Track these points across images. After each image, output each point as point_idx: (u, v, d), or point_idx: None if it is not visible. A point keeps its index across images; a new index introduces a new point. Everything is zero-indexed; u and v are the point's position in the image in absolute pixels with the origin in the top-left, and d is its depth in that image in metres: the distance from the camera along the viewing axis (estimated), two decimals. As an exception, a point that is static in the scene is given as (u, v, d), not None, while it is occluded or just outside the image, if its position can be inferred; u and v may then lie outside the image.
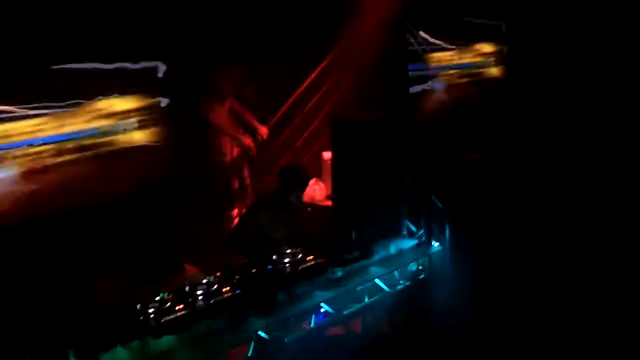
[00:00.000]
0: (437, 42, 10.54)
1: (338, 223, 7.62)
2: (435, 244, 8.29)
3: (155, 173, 7.35)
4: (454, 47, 10.86)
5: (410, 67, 9.94)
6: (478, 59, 11.39)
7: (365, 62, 9.75)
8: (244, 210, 8.34)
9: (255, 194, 9.05)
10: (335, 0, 9.46)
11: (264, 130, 9.26)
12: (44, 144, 6.67)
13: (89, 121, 7.10)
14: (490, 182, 8.76)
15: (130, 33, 7.13)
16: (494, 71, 11.68)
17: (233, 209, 8.82)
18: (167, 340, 5.77)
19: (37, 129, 6.66)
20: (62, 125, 6.85)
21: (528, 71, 11.26)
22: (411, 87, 9.79)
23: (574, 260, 8.31)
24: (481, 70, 11.48)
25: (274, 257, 6.70)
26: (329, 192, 9.23)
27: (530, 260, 8.36)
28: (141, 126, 7.48)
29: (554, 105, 10.78)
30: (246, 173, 9.17)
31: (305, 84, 10.27)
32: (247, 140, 8.98)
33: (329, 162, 9.19)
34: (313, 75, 10.33)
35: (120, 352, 5.64)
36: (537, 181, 8.97)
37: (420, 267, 8.05)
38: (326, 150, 9.76)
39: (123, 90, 7.31)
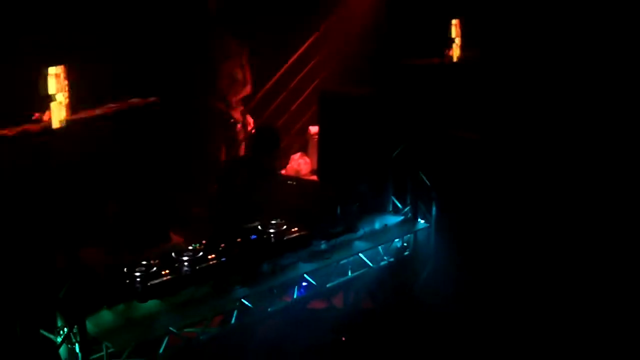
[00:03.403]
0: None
1: (323, 196, 7.95)
2: (421, 222, 8.60)
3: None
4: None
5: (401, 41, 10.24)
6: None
7: (356, 36, 10.09)
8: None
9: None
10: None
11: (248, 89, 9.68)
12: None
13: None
14: (480, 162, 8.94)
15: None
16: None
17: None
18: (152, 304, 6.15)
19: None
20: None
21: (521, 50, 11.47)
22: (402, 61, 10.06)
23: (562, 245, 8.51)
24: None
25: (259, 227, 7.11)
26: (315, 166, 9.59)
27: (516, 242, 8.57)
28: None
29: (554, 87, 10.97)
30: (237, 145, 9.56)
31: (294, 57, 10.62)
32: (237, 114, 9.37)
33: (316, 137, 9.58)
34: (302, 49, 10.69)
35: (106, 314, 6.02)
36: (531, 165, 9.13)
37: (404, 244, 8.38)
38: (313, 124, 10.15)
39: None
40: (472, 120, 9.63)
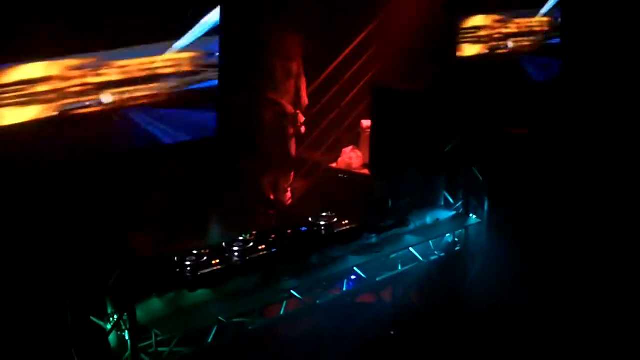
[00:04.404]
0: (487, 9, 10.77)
1: (374, 190, 7.93)
2: (473, 217, 8.50)
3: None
4: (505, 14, 11.09)
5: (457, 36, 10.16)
6: (531, 28, 11.58)
7: (411, 28, 10.01)
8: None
9: None
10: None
11: (304, 101, 9.64)
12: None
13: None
14: (534, 158, 8.85)
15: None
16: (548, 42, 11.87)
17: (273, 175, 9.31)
18: (201, 293, 6.18)
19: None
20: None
21: (585, 48, 11.30)
22: (457, 56, 9.97)
23: (619, 246, 8.38)
24: (534, 40, 11.67)
25: (309, 219, 7.11)
26: (366, 160, 9.56)
27: (569, 240, 8.48)
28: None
29: (616, 84, 10.79)
30: (290, 141, 9.57)
31: (347, 50, 10.57)
32: (290, 108, 9.38)
33: (368, 131, 9.54)
34: (356, 42, 10.64)
35: (156, 302, 6.05)
36: (586, 162, 9.00)
37: (456, 239, 8.31)
38: (365, 118, 10.11)
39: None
40: (526, 116, 9.55)
